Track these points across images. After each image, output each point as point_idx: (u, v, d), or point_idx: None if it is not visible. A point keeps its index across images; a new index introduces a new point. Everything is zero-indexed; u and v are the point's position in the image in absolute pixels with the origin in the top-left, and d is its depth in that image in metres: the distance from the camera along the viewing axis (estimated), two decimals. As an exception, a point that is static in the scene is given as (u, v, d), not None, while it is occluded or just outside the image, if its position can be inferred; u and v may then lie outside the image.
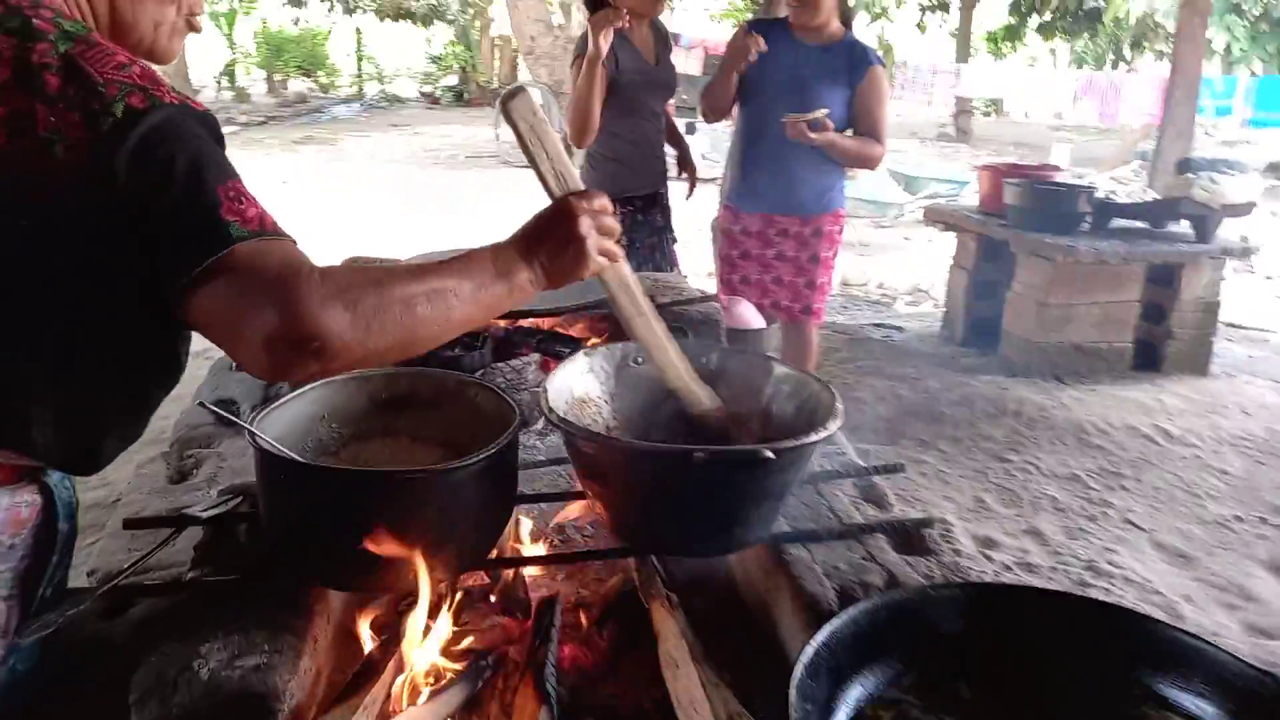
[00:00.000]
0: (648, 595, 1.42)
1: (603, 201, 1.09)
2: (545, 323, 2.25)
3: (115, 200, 0.90)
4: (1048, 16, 15.72)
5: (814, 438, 1.24)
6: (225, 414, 1.16)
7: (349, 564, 1.16)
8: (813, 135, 2.85)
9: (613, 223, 1.10)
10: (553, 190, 1.12)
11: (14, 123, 0.89)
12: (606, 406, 1.52)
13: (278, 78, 19.70)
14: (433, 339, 0.98)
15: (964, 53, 17.64)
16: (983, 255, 4.64)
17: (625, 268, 1.18)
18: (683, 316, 2.24)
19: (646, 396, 1.56)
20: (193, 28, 1.16)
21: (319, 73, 20.57)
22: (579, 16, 11.72)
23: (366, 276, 0.93)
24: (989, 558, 2.88)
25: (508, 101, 1.08)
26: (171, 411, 2.33)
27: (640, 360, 1.56)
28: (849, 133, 3.00)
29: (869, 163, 3.08)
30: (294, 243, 0.95)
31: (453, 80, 20.08)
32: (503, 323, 2.19)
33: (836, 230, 3.18)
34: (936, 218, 4.91)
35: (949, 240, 5.52)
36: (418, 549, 1.15)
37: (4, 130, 0.89)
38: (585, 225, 1.06)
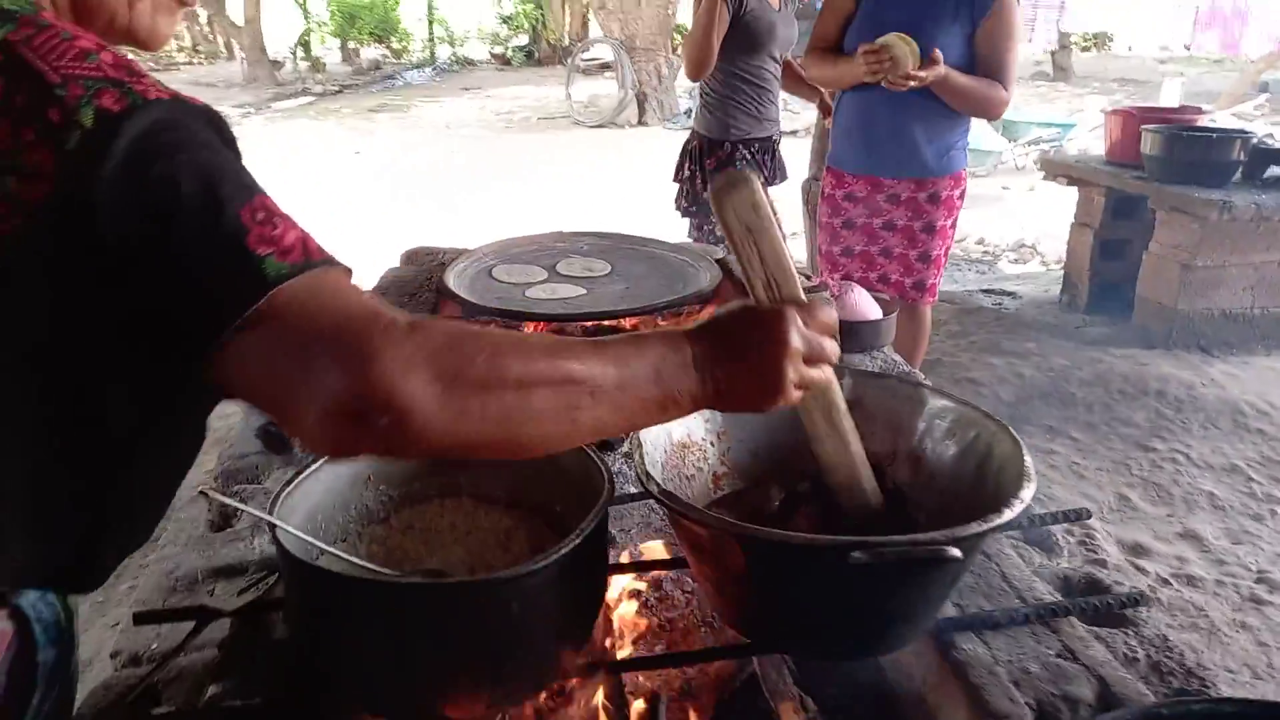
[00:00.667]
0: (774, 692, 1.13)
1: (829, 316, 0.85)
2: (630, 322, 1.97)
3: (95, 245, 0.64)
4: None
5: (1008, 515, 0.92)
6: (236, 504, 0.90)
7: (395, 690, 0.90)
8: (921, 73, 2.40)
9: (831, 347, 0.85)
10: (760, 299, 0.86)
11: None
12: (713, 449, 1.23)
13: (352, 45, 19.65)
14: (545, 442, 0.73)
15: (1062, -17, 16.41)
16: (1111, 211, 4.14)
17: (837, 390, 0.94)
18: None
19: (762, 434, 1.26)
20: (184, 2, 0.88)
21: (392, 38, 20.46)
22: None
23: (477, 340, 0.69)
24: (1140, 569, 2.51)
25: (723, 196, 0.82)
26: (223, 430, 2.15)
27: (754, 390, 1.26)
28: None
29: (990, 108, 2.61)
30: (348, 272, 0.70)
31: (523, 40, 19.73)
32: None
33: (957, 195, 2.77)
34: (1057, 170, 4.40)
35: (1052, 190, 4.96)
36: (479, 671, 0.89)
37: None
38: (793, 353, 0.81)
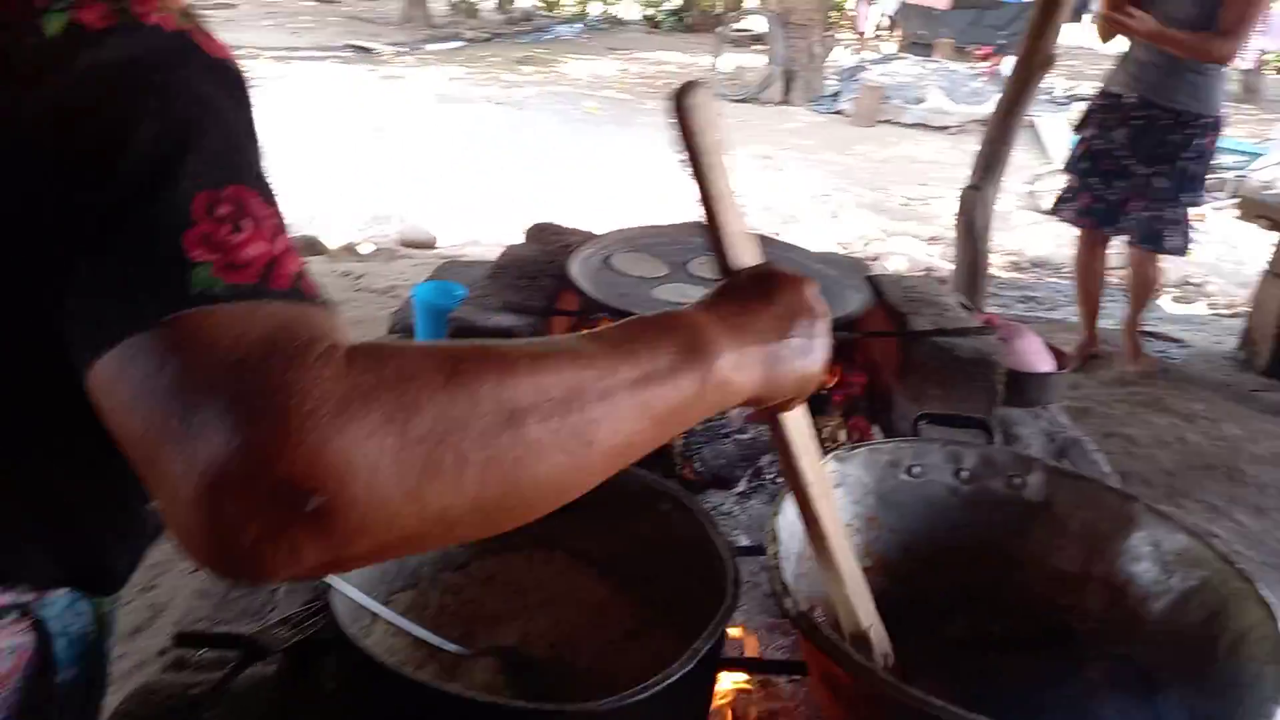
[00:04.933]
0: None
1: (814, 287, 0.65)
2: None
3: (33, 187, 0.49)
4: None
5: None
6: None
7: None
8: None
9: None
10: (728, 258, 0.64)
11: None
12: (858, 538, 1.02)
13: (506, -7, 19.79)
14: (555, 487, 0.48)
15: (1266, -4, 14.94)
16: (1313, 264, 3.64)
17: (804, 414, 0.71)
18: (948, 354, 1.68)
19: (922, 525, 1.05)
20: None
21: (545, -10, 20.50)
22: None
23: (435, 358, 0.45)
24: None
25: (685, 99, 0.60)
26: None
27: (917, 471, 1.05)
28: None
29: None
30: (327, 310, 0.48)
31: (676, 3, 19.39)
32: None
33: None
34: (1259, 211, 3.91)
35: (1220, 222, 4.39)
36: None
37: None
38: (814, 294, 0.63)
